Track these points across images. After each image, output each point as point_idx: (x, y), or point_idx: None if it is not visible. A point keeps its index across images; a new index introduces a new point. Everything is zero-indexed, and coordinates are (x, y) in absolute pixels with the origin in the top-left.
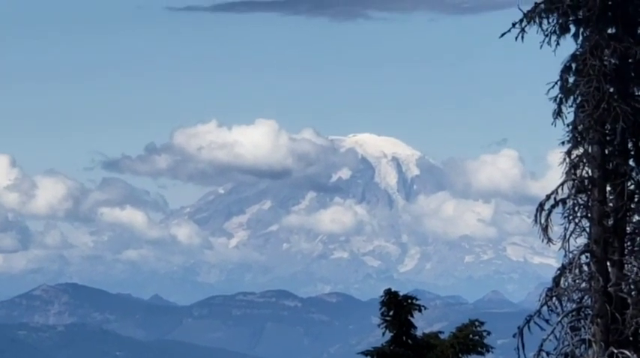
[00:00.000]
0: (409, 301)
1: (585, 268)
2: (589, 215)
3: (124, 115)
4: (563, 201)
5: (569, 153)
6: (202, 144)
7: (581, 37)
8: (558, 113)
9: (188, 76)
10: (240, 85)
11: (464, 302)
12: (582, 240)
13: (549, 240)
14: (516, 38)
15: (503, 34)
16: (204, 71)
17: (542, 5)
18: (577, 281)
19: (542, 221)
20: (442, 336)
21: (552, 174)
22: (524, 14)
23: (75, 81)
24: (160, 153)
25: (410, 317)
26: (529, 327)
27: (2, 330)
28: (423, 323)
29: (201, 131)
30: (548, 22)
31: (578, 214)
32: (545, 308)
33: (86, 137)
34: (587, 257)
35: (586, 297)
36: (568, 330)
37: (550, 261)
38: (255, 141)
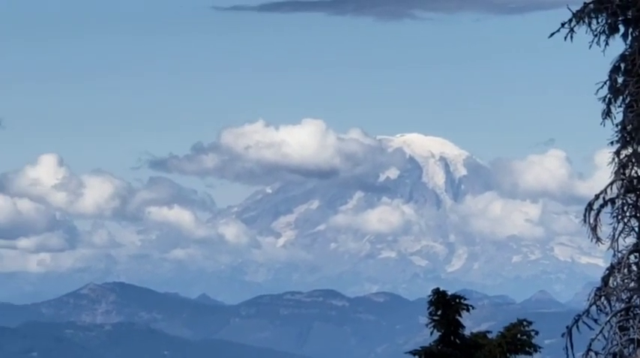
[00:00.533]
0: (457, 300)
1: (634, 268)
2: (638, 214)
3: (171, 115)
4: (612, 201)
5: (617, 153)
6: (249, 144)
7: (630, 37)
8: (607, 113)
9: (235, 76)
10: (287, 85)
11: (511, 302)
12: (631, 240)
13: (598, 239)
14: (565, 38)
15: (552, 34)
16: (251, 71)
17: (591, 5)
18: (626, 280)
19: (591, 221)
20: (490, 336)
21: (600, 174)
22: (573, 14)
23: (122, 80)
24: (207, 153)
25: (458, 317)
26: (578, 327)
27: (49, 329)
28: (470, 323)
29: (249, 130)
30: (597, 22)
31: (627, 214)
32: (593, 307)
33: (133, 136)
34: (635, 256)
35: (635, 297)
36: (616, 330)
37: (597, 260)
38: (302, 140)
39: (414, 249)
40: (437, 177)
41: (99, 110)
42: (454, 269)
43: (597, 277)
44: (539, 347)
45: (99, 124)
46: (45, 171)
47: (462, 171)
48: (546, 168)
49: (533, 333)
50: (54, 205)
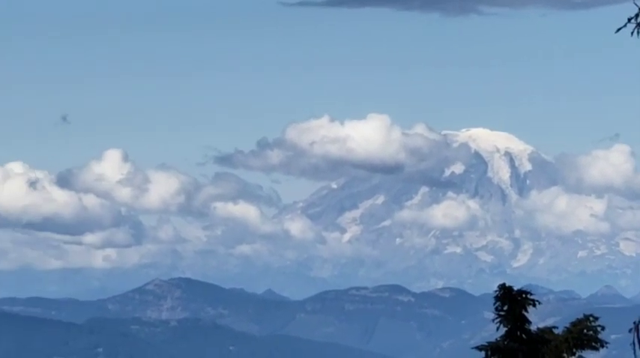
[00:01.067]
0: (523, 296)
1: None
2: None
3: (236, 110)
4: None
5: None
6: (315, 139)
7: None
8: None
9: (300, 71)
10: (353, 80)
11: (577, 297)
12: None
13: None
14: (632, 33)
15: (618, 30)
16: (316, 66)
17: None
18: None
19: None
20: (556, 331)
21: None
22: None
23: (188, 76)
24: (272, 148)
25: (524, 312)
26: None
27: (115, 325)
28: (536, 318)
29: (314, 126)
30: None
31: None
32: None
33: (199, 132)
34: None
35: None
36: None
37: None
38: (367, 135)
39: (480, 245)
40: (502, 172)
41: (164, 105)
42: (520, 264)
43: None
44: (606, 343)
45: (164, 120)
46: (110, 167)
47: (527, 166)
48: (611, 163)
49: (599, 329)
50: (119, 201)
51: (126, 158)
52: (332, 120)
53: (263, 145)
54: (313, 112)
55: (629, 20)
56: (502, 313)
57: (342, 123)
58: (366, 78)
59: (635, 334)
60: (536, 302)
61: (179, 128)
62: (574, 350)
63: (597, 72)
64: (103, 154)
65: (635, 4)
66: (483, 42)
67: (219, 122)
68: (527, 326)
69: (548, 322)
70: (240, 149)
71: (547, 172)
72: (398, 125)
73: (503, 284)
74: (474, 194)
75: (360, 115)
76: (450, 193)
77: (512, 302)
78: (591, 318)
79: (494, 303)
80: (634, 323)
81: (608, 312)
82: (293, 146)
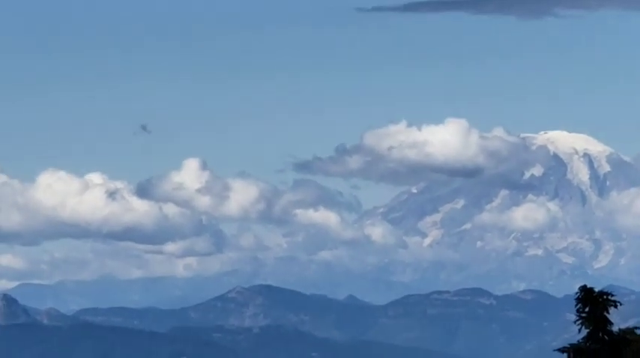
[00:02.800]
0: (604, 297)
1: None
2: None
3: (314, 117)
4: None
5: None
6: (393, 144)
7: None
8: None
9: (377, 77)
10: (430, 85)
11: None
12: None
13: None
14: None
15: None
16: (393, 71)
17: None
18: None
19: None
20: (638, 332)
21: None
22: None
23: (264, 83)
24: (350, 154)
25: (605, 313)
26: None
27: (198, 333)
28: (618, 319)
29: (392, 131)
30: None
31: None
32: None
33: (276, 139)
34: None
35: None
36: None
37: None
38: (445, 140)
39: (561, 246)
40: (581, 174)
41: (242, 113)
42: (601, 265)
43: None
44: None
45: (242, 127)
46: (189, 176)
47: (606, 168)
48: None
49: None
50: (199, 209)
51: (204, 166)
52: (409, 125)
53: (341, 151)
54: (391, 118)
55: None
56: (583, 315)
57: (419, 129)
58: (443, 82)
59: None
60: (618, 303)
61: (257, 136)
62: None
63: None
64: (182, 163)
65: None
66: (560, 44)
67: (297, 129)
68: (608, 327)
69: (631, 323)
70: (318, 156)
71: (626, 173)
72: (476, 129)
73: (584, 286)
74: (554, 196)
75: (438, 120)
76: (530, 195)
77: (593, 303)
78: None
79: (576, 305)
80: None
81: None
82: (371, 151)
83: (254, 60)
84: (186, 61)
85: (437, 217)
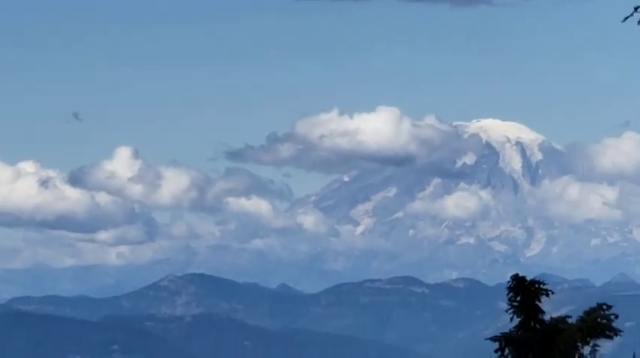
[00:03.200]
0: (536, 286)
1: None
2: None
3: (245, 105)
4: None
5: None
6: (324, 133)
7: None
8: None
9: (309, 65)
10: (362, 73)
11: (591, 285)
12: None
13: None
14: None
15: (625, 19)
16: (324, 60)
17: None
18: None
19: None
20: (570, 320)
21: None
22: None
23: (195, 71)
24: (282, 143)
25: (537, 302)
26: None
27: (130, 322)
28: (550, 307)
29: (323, 120)
30: None
31: None
32: None
33: (208, 128)
34: None
35: None
36: None
37: None
38: (377, 128)
39: (493, 235)
40: (514, 162)
41: (174, 102)
42: (533, 253)
43: None
44: (620, 331)
45: (174, 116)
46: (121, 164)
47: (539, 156)
48: (622, 151)
49: (613, 317)
50: (132, 198)
51: (136, 155)
52: (341, 113)
53: (273, 140)
54: (323, 106)
55: (636, 9)
56: (515, 303)
57: (351, 117)
58: (375, 70)
59: None
60: (550, 292)
61: (189, 124)
62: (588, 338)
63: (606, 60)
64: (114, 152)
65: None
66: (493, 32)
67: (228, 117)
68: (540, 315)
69: (563, 311)
70: (250, 144)
71: (558, 161)
72: (408, 117)
73: (516, 275)
74: (486, 184)
75: (370, 108)
76: (462, 184)
77: (525, 292)
78: (605, 307)
79: (507, 294)
80: None
81: (623, 300)
82: (303, 140)
83: (186, 48)
84: (120, 50)
85: (369, 205)
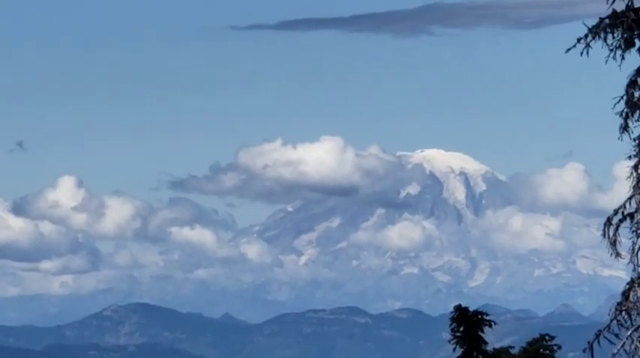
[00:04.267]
0: (479, 316)
1: None
2: None
3: (189, 134)
4: (631, 216)
5: (636, 167)
6: (267, 163)
7: None
8: (625, 127)
9: (252, 95)
10: (305, 103)
11: (534, 315)
12: None
13: (618, 254)
14: (581, 53)
15: (568, 50)
16: (268, 89)
17: (607, 20)
18: None
19: (611, 235)
20: (513, 351)
21: (620, 186)
22: (589, 29)
23: (139, 100)
24: (225, 173)
25: (480, 333)
26: (599, 342)
27: (73, 351)
28: (493, 338)
29: (266, 149)
30: (613, 37)
31: None
32: (614, 322)
33: (151, 157)
34: None
35: None
36: (638, 344)
37: (620, 273)
38: (321, 158)
39: (436, 265)
40: (457, 193)
41: (117, 131)
42: (476, 284)
43: (620, 289)
44: None
45: (117, 145)
46: (65, 193)
47: (482, 186)
48: (565, 182)
49: (555, 348)
50: (75, 227)
51: (80, 184)
52: (284, 143)
53: (216, 170)
54: (266, 136)
55: (579, 40)
56: (458, 334)
57: (294, 147)
58: (318, 100)
59: (590, 354)
60: (492, 323)
61: (132, 154)
62: None
63: (550, 91)
64: (58, 181)
65: (585, 25)
66: (436, 63)
67: (171, 147)
68: (483, 346)
69: (506, 342)
70: (193, 174)
71: (502, 192)
72: (351, 147)
73: (459, 305)
74: (430, 214)
75: (313, 138)
76: (406, 214)
77: (467, 323)
78: (547, 337)
79: (450, 324)
80: (588, 343)
81: (566, 331)
82: (246, 170)
83: (128, 78)
84: (63, 80)
85: (312, 235)
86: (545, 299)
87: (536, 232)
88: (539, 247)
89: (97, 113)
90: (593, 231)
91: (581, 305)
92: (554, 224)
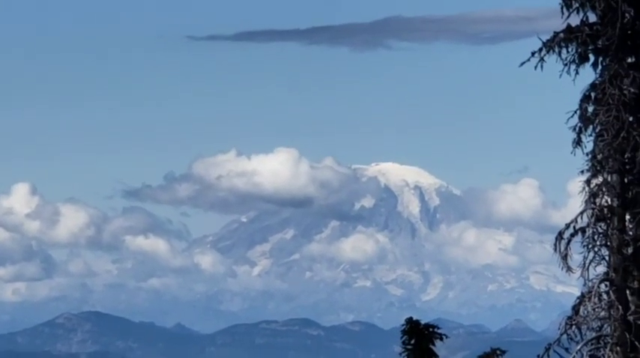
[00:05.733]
0: (430, 329)
1: (605, 296)
2: (608, 243)
3: (143, 144)
4: (583, 230)
5: (588, 182)
6: (221, 173)
7: (600, 66)
8: (578, 142)
9: (208, 105)
10: (260, 114)
11: (487, 330)
12: (602, 269)
13: (569, 268)
14: (535, 67)
15: (522, 63)
16: (223, 100)
17: (562, 34)
18: (596, 309)
19: (562, 249)
20: None
21: (574, 202)
22: (544, 43)
23: (93, 109)
24: (180, 183)
25: (431, 346)
26: (549, 355)
27: None
28: (445, 352)
29: (221, 160)
30: (568, 52)
31: (598, 243)
32: (565, 336)
33: (106, 166)
34: (606, 285)
35: (605, 326)
36: None
37: (573, 289)
38: (275, 169)
39: (390, 278)
40: (412, 206)
41: (71, 138)
42: (429, 298)
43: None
44: None
45: (71, 153)
46: (18, 200)
47: (437, 201)
48: (520, 198)
49: None
50: (29, 234)
51: (34, 191)
52: (239, 154)
53: (170, 179)
54: (221, 147)
55: (533, 54)
56: (409, 347)
57: (249, 158)
58: (273, 111)
59: None
60: (444, 336)
61: (86, 162)
62: None
63: (505, 105)
64: (11, 188)
65: (539, 39)
66: (392, 77)
67: (126, 156)
68: None
69: (458, 356)
70: (147, 183)
71: (456, 206)
72: (306, 158)
73: (410, 318)
74: (384, 227)
75: (268, 149)
76: (360, 227)
77: (419, 336)
78: (498, 352)
79: (402, 337)
80: (538, 356)
81: (518, 346)
82: (200, 180)
83: (83, 85)
84: (16, 85)
85: (266, 247)
86: (498, 314)
87: (490, 247)
88: (493, 262)
89: (52, 120)
90: (547, 247)
91: (534, 321)
92: (507, 239)
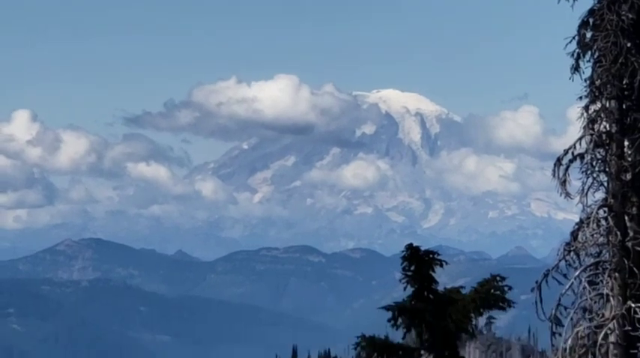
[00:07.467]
0: (431, 256)
1: (603, 222)
2: (607, 169)
3: (144, 71)
4: (581, 156)
5: (586, 107)
6: (222, 100)
7: None
8: (576, 68)
9: (206, 33)
10: (260, 41)
11: (487, 257)
12: (600, 195)
13: (567, 194)
14: None
15: None
16: (223, 28)
17: None
18: (595, 235)
19: (561, 175)
20: (464, 291)
21: (574, 129)
22: None
23: (94, 37)
24: (180, 110)
25: (431, 272)
26: (547, 282)
27: (26, 285)
28: (446, 279)
29: (220, 87)
30: None
31: (596, 169)
32: (563, 262)
33: (106, 92)
34: (605, 211)
35: (604, 251)
36: (586, 285)
37: (574, 216)
38: (275, 96)
39: (391, 205)
40: (413, 133)
41: (72, 66)
42: (430, 225)
43: None
44: (513, 303)
45: (72, 80)
46: (19, 127)
47: (437, 128)
48: (520, 124)
49: (506, 288)
50: (30, 161)
51: (34, 118)
52: (239, 81)
53: (170, 107)
54: (222, 74)
55: None
56: (409, 273)
57: (249, 85)
58: (273, 38)
59: (538, 293)
60: (444, 263)
61: (86, 89)
62: (481, 310)
63: (506, 33)
64: (12, 115)
65: None
66: (393, 4)
67: (126, 83)
68: (434, 286)
69: (459, 283)
70: (148, 110)
71: (457, 133)
72: (307, 85)
73: (410, 245)
74: (385, 154)
75: (268, 76)
76: (361, 154)
77: (419, 262)
78: (498, 278)
79: (402, 263)
80: (536, 282)
81: (518, 273)
82: (200, 107)
83: (84, 16)
84: (18, 14)
85: (267, 173)
86: (498, 241)
87: (491, 174)
88: (494, 189)
89: (52, 47)
90: (548, 174)
91: (535, 248)
92: (508, 166)
